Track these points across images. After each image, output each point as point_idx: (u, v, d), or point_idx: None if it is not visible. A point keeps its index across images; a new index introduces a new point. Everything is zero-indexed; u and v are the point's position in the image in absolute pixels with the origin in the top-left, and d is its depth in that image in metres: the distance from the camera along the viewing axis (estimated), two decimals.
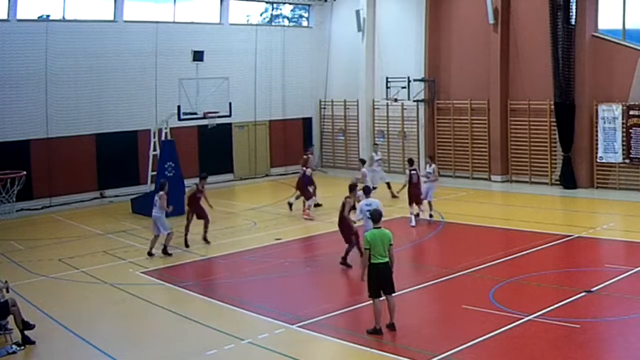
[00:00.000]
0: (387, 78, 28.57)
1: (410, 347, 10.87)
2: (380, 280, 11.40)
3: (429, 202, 20.31)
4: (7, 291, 12.19)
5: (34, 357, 11.31)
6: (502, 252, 16.37)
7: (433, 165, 20.92)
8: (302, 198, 21.74)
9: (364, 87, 30.71)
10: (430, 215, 20.22)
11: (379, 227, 11.52)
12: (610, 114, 23.58)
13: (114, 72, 25.93)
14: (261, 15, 31.81)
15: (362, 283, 11.58)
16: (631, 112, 23.18)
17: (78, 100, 25.24)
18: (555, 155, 25.30)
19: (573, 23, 23.79)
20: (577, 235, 17.76)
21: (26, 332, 11.59)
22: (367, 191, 15.83)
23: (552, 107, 24.78)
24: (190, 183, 24.39)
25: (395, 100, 28.52)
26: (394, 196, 22.86)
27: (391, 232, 11.61)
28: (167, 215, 21.02)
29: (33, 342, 11.53)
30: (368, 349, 10.93)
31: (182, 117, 22.44)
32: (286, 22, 32.86)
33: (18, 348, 11.30)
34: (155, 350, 11.45)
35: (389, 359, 10.58)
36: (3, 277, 13.22)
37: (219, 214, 22.49)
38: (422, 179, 20.38)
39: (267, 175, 31.01)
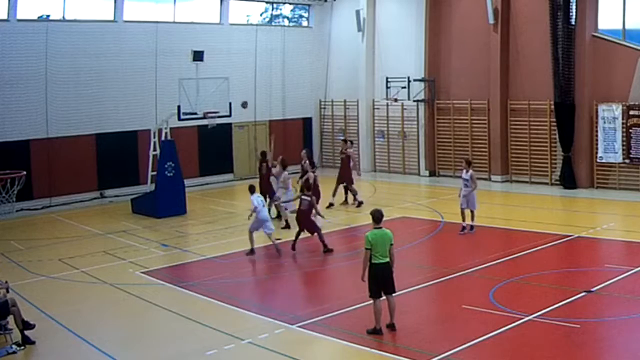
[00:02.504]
0: (387, 78, 28.58)
1: (410, 347, 10.87)
2: (380, 280, 11.40)
3: (472, 212, 18.35)
4: (7, 291, 12.20)
5: (34, 357, 11.31)
6: (502, 252, 16.36)
7: (470, 171, 18.45)
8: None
9: (364, 87, 30.73)
10: (471, 227, 18.37)
11: (380, 227, 11.51)
12: (610, 114, 23.58)
13: (114, 72, 25.92)
14: (261, 15, 31.82)
15: (362, 283, 11.57)
16: (631, 112, 23.18)
17: (78, 100, 25.23)
18: (555, 155, 25.29)
19: (573, 23, 23.78)
20: (577, 235, 17.76)
21: (26, 332, 11.59)
22: (253, 189, 17.72)
23: (552, 107, 24.78)
24: (190, 183, 24.52)
25: (395, 100, 28.53)
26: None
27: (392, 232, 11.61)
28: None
29: (33, 342, 11.53)
30: (368, 349, 10.93)
31: (182, 117, 22.44)
32: (286, 22, 32.85)
33: (18, 348, 11.30)
34: (155, 350, 11.46)
35: (389, 359, 10.58)
36: (3, 277, 13.23)
37: (219, 214, 22.56)
38: (462, 187, 18.52)
39: None
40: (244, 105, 22.83)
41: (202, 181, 28.30)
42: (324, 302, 13.32)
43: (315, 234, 17.18)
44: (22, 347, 11.36)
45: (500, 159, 26.64)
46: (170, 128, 23.20)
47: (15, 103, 23.81)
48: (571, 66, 23.97)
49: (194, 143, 28.11)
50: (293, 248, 17.16)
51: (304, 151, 22.40)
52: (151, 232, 20.33)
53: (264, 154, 21.69)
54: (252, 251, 17.18)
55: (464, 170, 18.62)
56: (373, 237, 11.36)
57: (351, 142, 25.85)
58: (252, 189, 17.62)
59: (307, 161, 21.44)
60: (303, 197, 17.25)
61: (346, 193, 23.09)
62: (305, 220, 17.17)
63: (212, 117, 22.90)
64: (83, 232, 20.56)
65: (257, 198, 17.42)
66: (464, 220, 18.41)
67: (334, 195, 22.56)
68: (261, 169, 21.34)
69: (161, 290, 14.70)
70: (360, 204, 22.57)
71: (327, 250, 16.91)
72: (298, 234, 17.28)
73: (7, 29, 23.50)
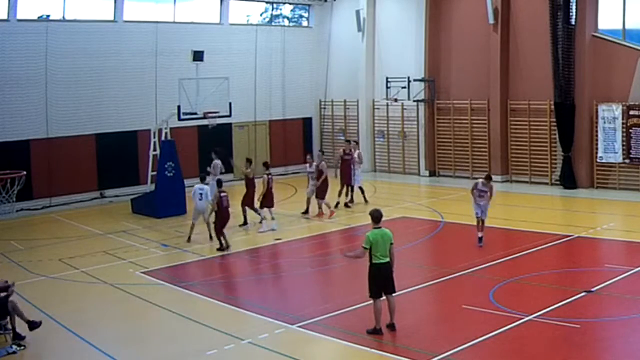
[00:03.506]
0: (387, 78, 28.59)
1: (410, 347, 10.87)
2: (381, 280, 11.40)
3: (483, 220, 17.22)
4: (11, 293, 12.19)
5: (34, 357, 11.31)
6: (502, 252, 16.38)
7: (490, 184, 17.27)
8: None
9: (364, 87, 30.74)
10: (480, 239, 17.05)
11: (380, 227, 11.51)
12: (610, 114, 23.59)
13: (114, 72, 25.92)
14: (261, 15, 31.82)
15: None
16: (631, 112, 23.18)
17: (78, 100, 25.23)
18: (555, 155, 25.30)
19: (573, 23, 23.80)
20: (577, 235, 17.77)
21: (31, 331, 11.59)
22: (202, 179, 19.49)
23: (552, 107, 24.79)
24: (190, 183, 24.49)
25: (395, 100, 28.54)
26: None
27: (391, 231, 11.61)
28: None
29: (23, 337, 11.48)
30: (368, 349, 10.93)
31: (182, 117, 22.44)
32: (286, 22, 32.86)
33: (18, 348, 11.31)
34: (155, 350, 11.46)
35: (389, 359, 10.58)
36: (3, 277, 13.21)
37: None
38: (475, 196, 17.20)
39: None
40: (211, 125, 23.13)
41: None
42: (324, 302, 13.32)
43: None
44: (22, 347, 11.37)
45: (500, 159, 26.64)
46: (170, 128, 23.21)
47: (15, 103, 23.80)
48: (571, 66, 23.98)
49: (194, 143, 28.09)
50: (211, 238, 18.19)
51: (319, 152, 22.78)
52: (151, 232, 20.32)
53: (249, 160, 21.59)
54: (189, 239, 18.50)
55: (481, 182, 17.22)
56: (374, 236, 11.36)
57: (356, 142, 25.91)
58: (202, 178, 19.30)
59: (323, 162, 21.69)
60: (222, 194, 17.59)
61: (352, 192, 23.08)
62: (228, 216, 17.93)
63: (212, 117, 22.91)
64: (83, 232, 20.56)
65: (197, 190, 18.63)
66: (479, 230, 17.11)
67: (339, 195, 22.61)
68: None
69: (161, 290, 14.70)
70: (349, 203, 22.77)
71: (220, 249, 17.52)
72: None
73: (7, 29, 23.49)
